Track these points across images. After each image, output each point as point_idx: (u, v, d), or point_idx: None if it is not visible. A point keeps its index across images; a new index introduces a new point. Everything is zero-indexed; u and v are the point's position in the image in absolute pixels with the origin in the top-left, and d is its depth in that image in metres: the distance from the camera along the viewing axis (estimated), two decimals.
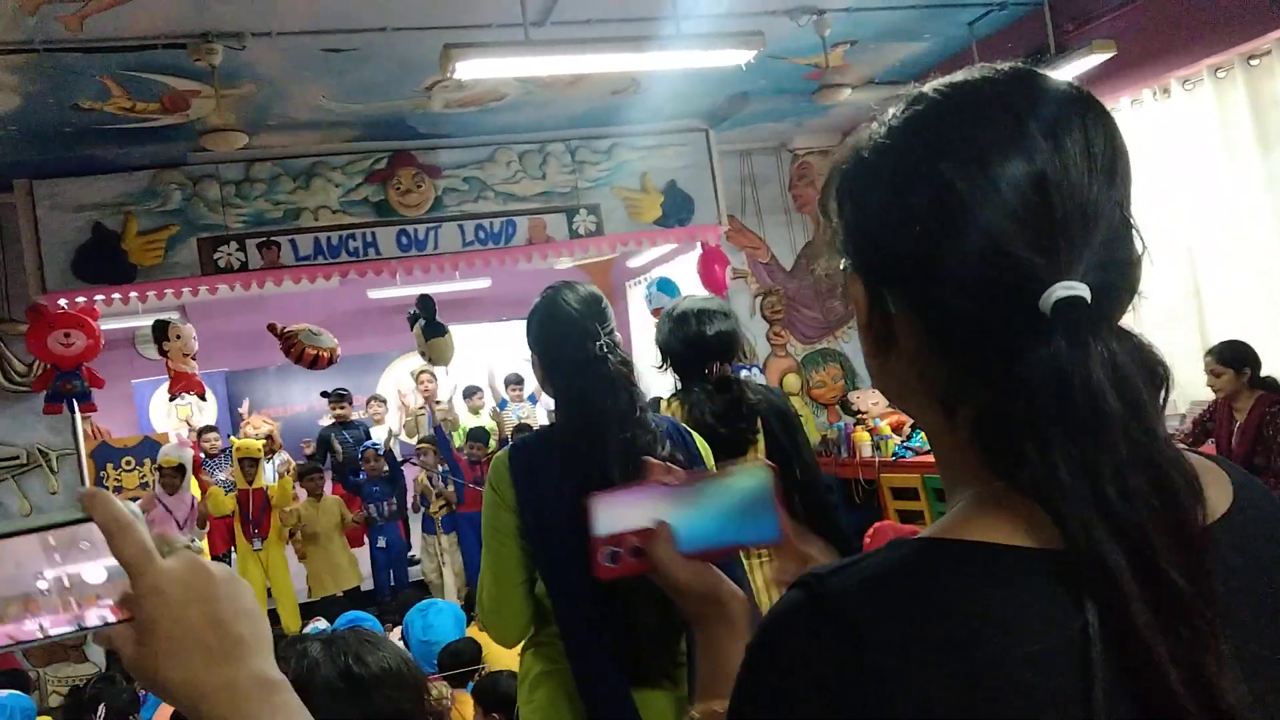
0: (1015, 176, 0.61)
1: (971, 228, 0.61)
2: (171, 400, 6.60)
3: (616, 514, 0.93)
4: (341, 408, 8.11)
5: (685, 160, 6.76)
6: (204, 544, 7.59)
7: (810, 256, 7.47)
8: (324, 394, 8.21)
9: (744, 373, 7.16)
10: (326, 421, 8.38)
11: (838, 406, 7.53)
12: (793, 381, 7.57)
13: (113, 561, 0.61)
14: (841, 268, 0.72)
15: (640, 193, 6.68)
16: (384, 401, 8.91)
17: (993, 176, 0.61)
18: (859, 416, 7.00)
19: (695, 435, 2.21)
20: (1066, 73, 5.03)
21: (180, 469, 6.56)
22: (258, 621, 0.64)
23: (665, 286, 7.23)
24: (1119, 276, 0.63)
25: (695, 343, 2.81)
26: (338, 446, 7.78)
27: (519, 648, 2.16)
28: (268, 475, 7.60)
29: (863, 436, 6.70)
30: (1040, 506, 0.59)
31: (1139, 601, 0.56)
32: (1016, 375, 0.60)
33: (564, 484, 1.96)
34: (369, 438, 7.98)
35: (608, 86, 5.67)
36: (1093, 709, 0.54)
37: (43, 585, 0.61)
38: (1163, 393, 0.63)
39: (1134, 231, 0.64)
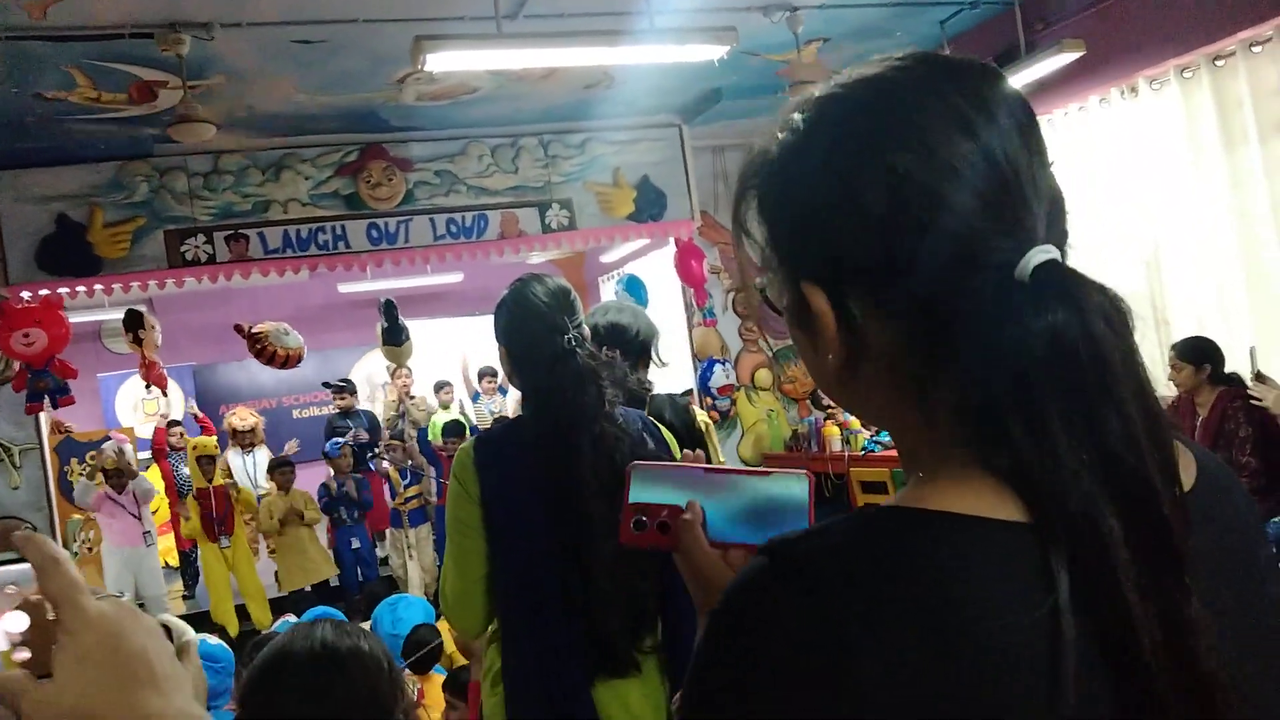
0: (965, 154, 0.62)
1: (935, 213, 0.61)
2: (149, 390, 6.53)
3: (653, 485, 0.93)
4: (344, 398, 8.09)
5: (658, 155, 6.76)
6: (161, 535, 7.52)
7: (733, 285, 7.44)
8: (326, 384, 8.20)
9: (717, 366, 7.24)
10: (332, 411, 8.37)
11: (808, 401, 7.57)
12: (764, 377, 7.60)
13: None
14: (780, 284, 0.71)
15: (613, 187, 6.68)
16: (354, 393, 8.86)
17: (944, 158, 0.62)
18: (829, 411, 7.04)
19: (663, 429, 2.21)
20: (1036, 71, 5.10)
21: (119, 471, 6.51)
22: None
23: (632, 286, 7.23)
24: (1062, 243, 0.64)
25: (601, 328, 2.73)
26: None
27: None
28: (251, 468, 7.56)
29: (832, 431, 6.74)
30: (1011, 480, 0.59)
31: (1128, 568, 0.56)
32: (1004, 348, 0.59)
33: (531, 477, 1.97)
34: (377, 428, 7.94)
35: (581, 80, 5.66)
36: (1061, 680, 0.54)
37: None
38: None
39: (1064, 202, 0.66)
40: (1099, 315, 0.59)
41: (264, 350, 6.34)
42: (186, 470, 7.47)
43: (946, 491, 0.61)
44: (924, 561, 0.57)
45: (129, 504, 6.47)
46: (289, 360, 6.42)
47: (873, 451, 6.37)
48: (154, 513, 7.10)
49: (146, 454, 8.37)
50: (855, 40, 5.54)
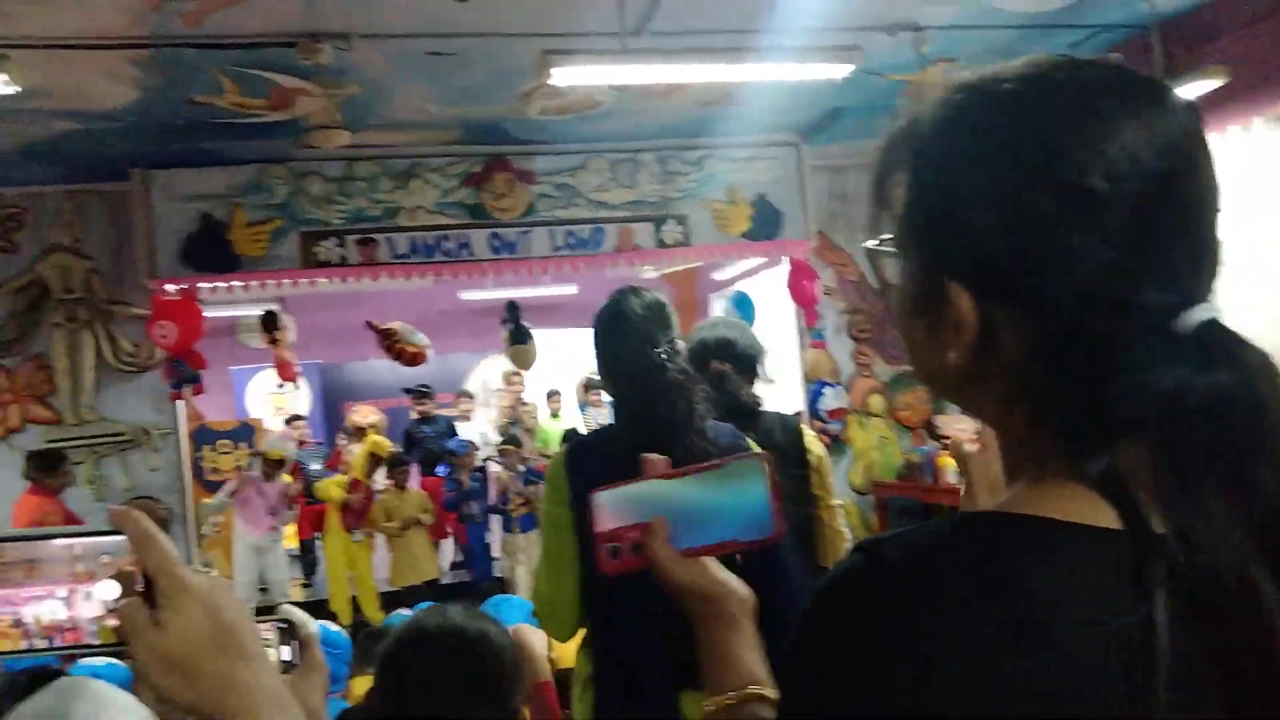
0: (1148, 185, 0.59)
1: (1108, 233, 0.59)
2: (282, 386, 6.85)
3: (616, 508, 0.91)
4: (423, 404, 8.29)
5: (775, 174, 6.74)
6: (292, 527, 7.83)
7: (849, 308, 7.32)
8: (405, 390, 8.41)
9: (828, 388, 7.14)
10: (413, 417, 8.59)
11: (923, 430, 7.38)
12: (877, 403, 7.45)
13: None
14: (909, 270, 0.69)
15: (729, 205, 6.68)
16: (472, 397, 9.08)
17: (1129, 178, 0.59)
18: (945, 441, 6.85)
19: (750, 443, 2.19)
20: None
21: (281, 462, 6.81)
22: (263, 648, 0.70)
23: (741, 304, 7.21)
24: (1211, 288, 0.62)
25: (696, 348, 2.70)
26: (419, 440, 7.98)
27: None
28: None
29: (948, 462, 6.55)
30: (1106, 488, 0.59)
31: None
32: (1156, 393, 0.58)
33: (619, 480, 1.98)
34: (452, 433, 8.12)
35: (701, 97, 5.69)
36: (1148, 692, 0.54)
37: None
38: None
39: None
40: (1262, 377, 0.58)
41: (393, 346, 6.60)
42: (316, 466, 7.76)
43: (1045, 497, 0.61)
44: (1011, 564, 0.58)
45: (271, 495, 6.78)
46: (416, 358, 6.65)
47: None
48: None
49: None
50: (981, 62, 5.34)
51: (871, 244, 0.72)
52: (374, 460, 7.24)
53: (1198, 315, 0.58)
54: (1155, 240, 0.59)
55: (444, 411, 9.10)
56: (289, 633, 1.13)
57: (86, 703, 0.93)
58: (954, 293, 0.64)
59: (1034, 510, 0.60)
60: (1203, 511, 0.56)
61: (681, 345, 2.15)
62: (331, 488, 7.19)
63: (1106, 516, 0.59)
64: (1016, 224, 0.61)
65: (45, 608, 0.70)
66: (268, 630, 1.13)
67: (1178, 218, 0.60)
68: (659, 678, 1.97)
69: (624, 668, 2.00)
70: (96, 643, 0.73)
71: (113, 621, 0.68)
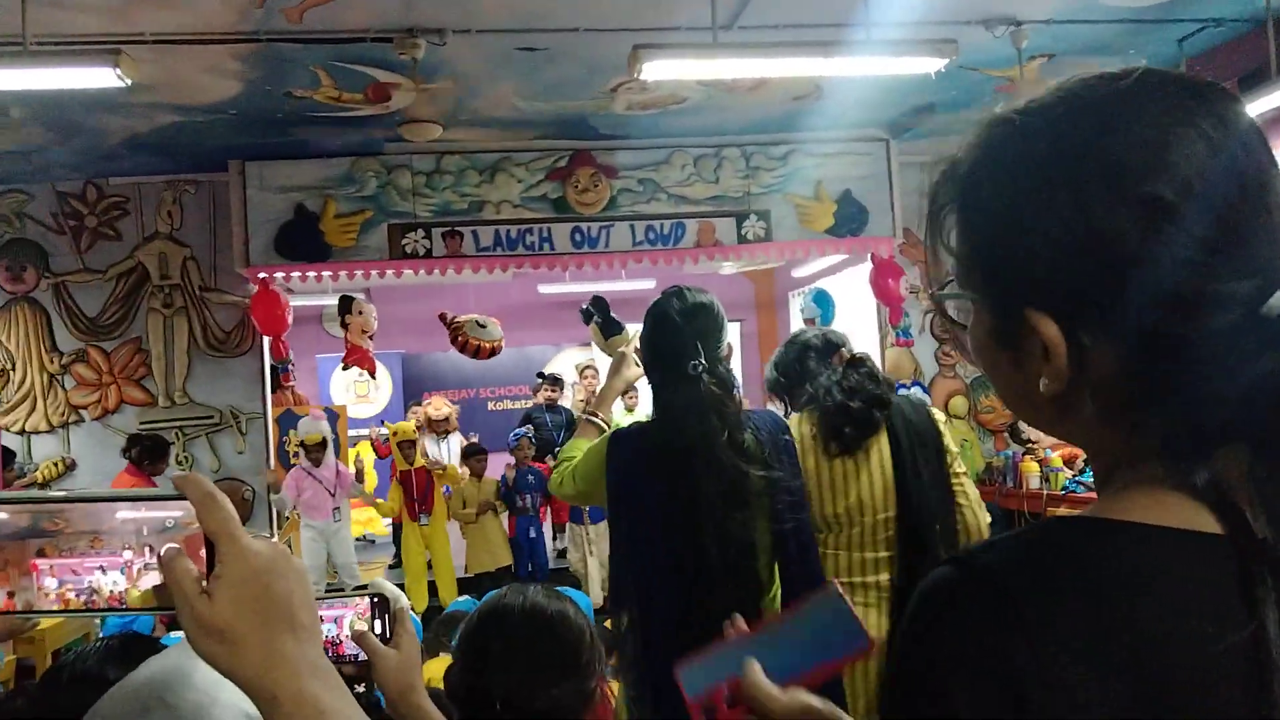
0: (1215, 183, 0.58)
1: (1184, 243, 0.58)
2: (345, 369, 6.95)
3: (702, 674, 0.93)
4: (552, 391, 8.39)
5: (863, 170, 6.65)
6: (369, 514, 7.96)
7: (944, 315, 7.17)
8: (540, 375, 8.55)
9: (903, 390, 7.03)
10: (535, 402, 8.70)
11: (1006, 434, 7.23)
12: (959, 404, 7.32)
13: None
14: (982, 306, 0.68)
15: (813, 200, 6.62)
16: (559, 382, 9.12)
17: (1196, 187, 0.58)
18: (1029, 446, 6.70)
19: (792, 436, 2.22)
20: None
21: (323, 443, 6.87)
22: (318, 620, 0.68)
23: (820, 300, 7.13)
24: None
25: (814, 343, 2.71)
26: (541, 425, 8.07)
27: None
28: (445, 454, 7.93)
29: (1031, 467, 6.40)
30: (1208, 495, 0.58)
31: None
32: (1250, 383, 0.57)
33: (651, 489, 2.04)
34: (571, 424, 8.15)
35: (789, 92, 5.64)
36: (1269, 705, 0.52)
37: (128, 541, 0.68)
38: None
39: None
40: None
41: (458, 339, 6.66)
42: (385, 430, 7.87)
43: (1138, 503, 0.61)
44: (1106, 571, 0.57)
45: (326, 479, 6.85)
46: (481, 351, 6.69)
47: (1074, 492, 6.01)
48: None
49: (354, 432, 8.95)
50: (1082, 58, 5.27)
51: (937, 291, 0.72)
52: (408, 445, 7.28)
53: None
54: (1228, 232, 0.59)
55: (520, 404, 9.20)
56: (381, 607, 1.15)
57: (196, 690, 0.95)
58: (1037, 321, 0.63)
59: (1129, 515, 0.59)
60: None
61: (727, 349, 2.16)
62: (383, 508, 7.30)
63: (1204, 521, 0.58)
64: (1085, 242, 0.60)
65: (109, 579, 0.69)
66: (362, 607, 1.15)
67: (1247, 207, 0.59)
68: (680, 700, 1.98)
69: (658, 668, 2.03)
70: (139, 606, 0.70)
71: (147, 584, 0.66)
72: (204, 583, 0.63)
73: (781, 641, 0.92)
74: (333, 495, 6.85)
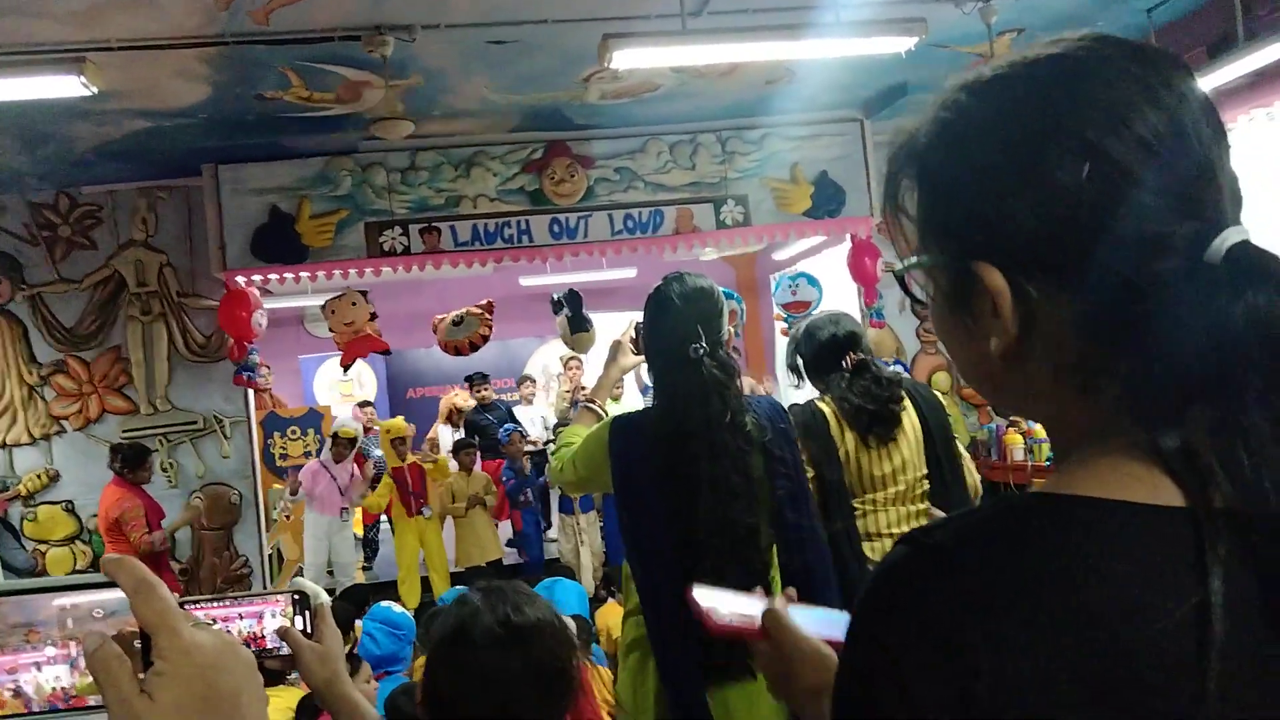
0: (1159, 132, 0.60)
1: (1128, 189, 0.60)
2: (345, 369, 6.94)
3: (720, 599, 1.00)
4: (481, 391, 8.39)
5: (838, 151, 6.66)
6: (358, 514, 7.96)
7: (910, 292, 7.24)
8: (467, 379, 8.54)
9: (888, 368, 7.05)
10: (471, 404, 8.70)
11: (989, 408, 7.28)
12: (942, 379, 7.36)
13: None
14: (939, 267, 0.69)
15: (790, 183, 6.62)
16: (534, 381, 9.17)
17: (1139, 133, 0.60)
18: (1012, 419, 6.75)
19: (791, 419, 2.26)
20: (1254, 61, 4.71)
21: (353, 441, 6.92)
22: (265, 716, 0.63)
23: (814, 282, 7.15)
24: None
25: (829, 343, 2.95)
26: (482, 425, 8.06)
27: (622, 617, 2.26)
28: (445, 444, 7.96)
29: (1015, 439, 6.46)
30: (1176, 464, 0.58)
31: None
32: (1198, 331, 0.57)
33: (652, 474, 2.06)
34: (511, 418, 8.19)
35: (762, 76, 5.64)
36: (1206, 679, 0.52)
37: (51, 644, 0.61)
38: None
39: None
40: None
41: (445, 346, 6.73)
42: (379, 451, 7.88)
43: (1098, 476, 0.60)
44: (1059, 548, 0.57)
45: (340, 477, 6.91)
46: (462, 348, 6.70)
47: None
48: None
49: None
50: (1052, 31, 5.15)
51: (898, 265, 0.73)
52: (399, 442, 7.30)
53: (1228, 239, 0.58)
54: (1171, 180, 0.60)
55: (505, 397, 9.19)
56: (302, 603, 1.17)
57: None
58: (982, 271, 0.64)
59: (1085, 490, 0.60)
60: (1243, 436, 0.55)
61: (727, 333, 2.18)
62: (373, 500, 7.31)
63: (1168, 494, 0.58)
64: (1029, 191, 0.62)
65: (48, 675, 0.62)
66: (279, 604, 1.17)
67: (1189, 161, 0.60)
68: (691, 670, 2.01)
69: (660, 654, 2.05)
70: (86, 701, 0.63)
71: (88, 677, 0.58)
72: (141, 678, 0.57)
73: (798, 610, 0.95)
74: (343, 494, 6.90)
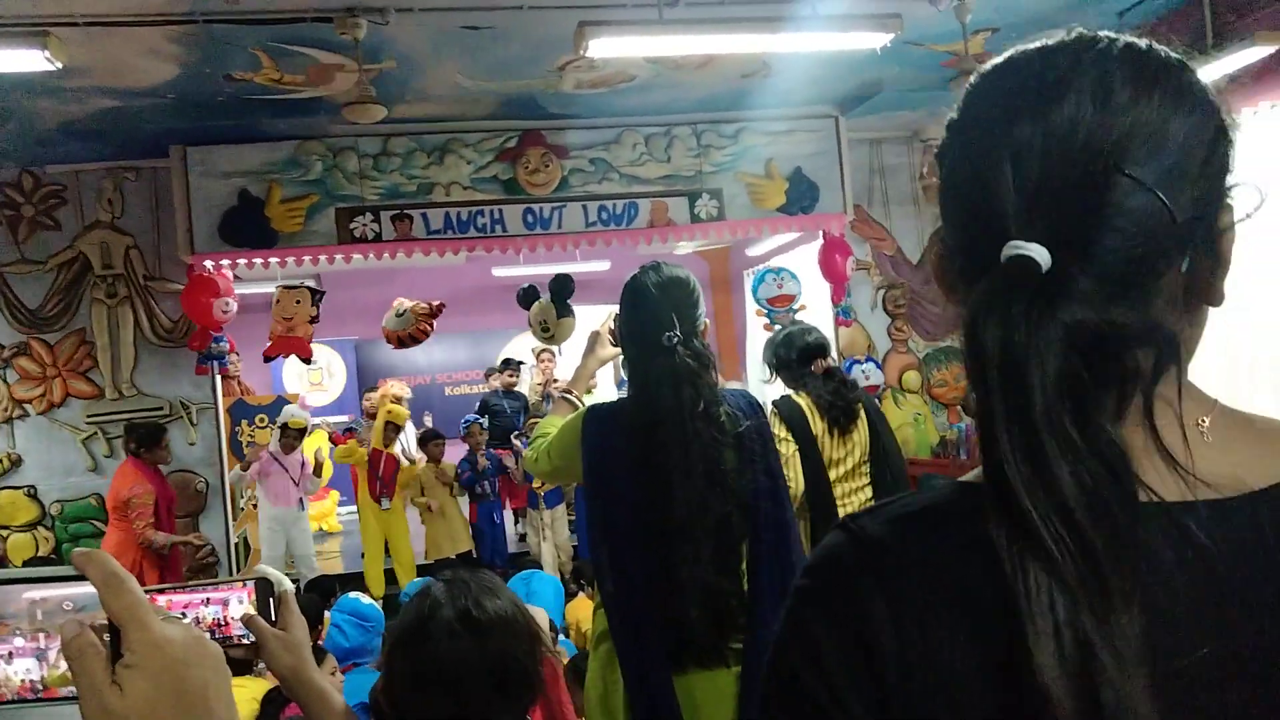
0: (1001, 141, 0.63)
1: (961, 187, 0.66)
2: (266, 361, 6.87)
3: None
4: (511, 376, 8.36)
5: (813, 147, 6.66)
6: (316, 502, 7.88)
7: (884, 282, 7.36)
8: (504, 361, 8.56)
9: (858, 366, 7.09)
10: (491, 387, 8.66)
11: (959, 407, 7.33)
12: (912, 379, 7.39)
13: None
14: None
15: (764, 179, 6.62)
16: (520, 365, 9.11)
17: (981, 141, 0.64)
18: None
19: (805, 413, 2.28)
20: (1224, 66, 4.75)
21: (302, 432, 6.83)
22: (235, 711, 0.64)
23: (794, 277, 7.17)
24: (1118, 243, 0.59)
25: (803, 350, 3.84)
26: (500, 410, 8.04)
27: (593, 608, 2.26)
28: (403, 440, 7.88)
29: None
30: None
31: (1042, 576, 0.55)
32: (972, 334, 0.61)
33: (626, 463, 2.06)
34: (529, 410, 8.11)
35: (738, 69, 5.64)
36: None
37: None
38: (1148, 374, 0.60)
39: (1154, 199, 0.60)
40: (1024, 335, 0.57)
41: (384, 334, 6.72)
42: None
43: None
44: (964, 534, 0.61)
45: (291, 468, 6.83)
46: (405, 339, 6.66)
47: None
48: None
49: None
50: (1026, 31, 5.22)
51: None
52: (392, 429, 7.26)
53: (1006, 253, 0.60)
54: (1010, 192, 0.62)
55: (475, 389, 9.15)
56: (265, 591, 1.16)
57: None
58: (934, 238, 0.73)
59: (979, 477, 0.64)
60: (993, 455, 0.58)
61: (704, 324, 2.18)
62: (354, 450, 7.22)
63: None
64: (958, 175, 0.68)
65: (17, 666, 0.62)
66: (246, 590, 1.17)
67: (1026, 174, 0.62)
68: (659, 658, 2.01)
69: (627, 642, 2.05)
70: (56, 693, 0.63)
71: (58, 670, 0.59)
72: (113, 670, 0.58)
73: None
74: (296, 485, 6.82)
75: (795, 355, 3.85)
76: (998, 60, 0.68)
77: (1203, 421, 0.63)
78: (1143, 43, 0.66)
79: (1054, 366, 0.56)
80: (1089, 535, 0.54)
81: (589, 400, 2.45)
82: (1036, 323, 0.57)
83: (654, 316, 2.09)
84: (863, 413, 3.78)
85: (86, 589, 0.60)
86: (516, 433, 7.85)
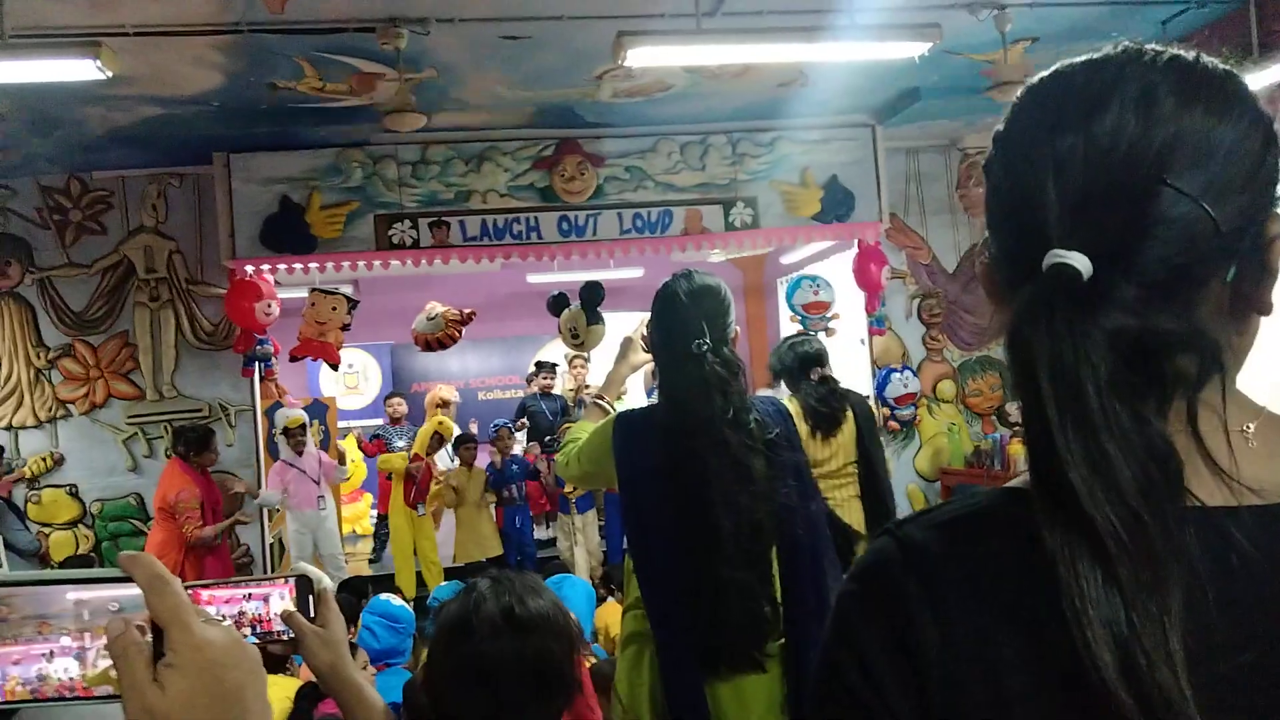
0: (1044, 152, 0.64)
1: (1006, 198, 0.67)
2: (292, 360, 6.90)
3: None
4: (548, 379, 8.37)
5: (849, 156, 6.65)
6: (350, 504, 7.93)
7: (919, 290, 7.33)
8: (537, 363, 8.57)
9: (896, 375, 7.06)
10: (530, 391, 8.67)
11: (994, 417, 7.27)
12: (947, 388, 7.34)
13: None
14: None
15: (800, 187, 6.62)
16: (553, 370, 9.13)
17: (1025, 153, 0.65)
18: (1015, 429, 6.73)
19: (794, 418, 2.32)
20: (1270, 75, 4.70)
21: (303, 427, 6.80)
22: (270, 713, 0.65)
23: (827, 286, 7.16)
24: (1161, 252, 0.60)
25: (803, 357, 4.18)
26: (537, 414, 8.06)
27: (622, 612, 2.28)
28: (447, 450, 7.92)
29: (1018, 449, 6.44)
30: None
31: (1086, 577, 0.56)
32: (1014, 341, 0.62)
33: (659, 469, 2.07)
34: (566, 412, 8.13)
35: (775, 78, 5.64)
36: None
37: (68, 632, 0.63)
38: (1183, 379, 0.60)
39: (1196, 208, 0.60)
40: (1069, 342, 0.58)
41: (413, 336, 6.77)
42: (401, 443, 7.84)
43: None
44: (1009, 541, 0.62)
45: (309, 468, 6.81)
46: (433, 342, 6.70)
47: None
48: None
49: (344, 423, 8.93)
50: (1066, 40, 5.28)
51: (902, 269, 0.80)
52: (437, 440, 7.31)
53: (1048, 261, 0.61)
54: (1052, 202, 0.63)
55: (511, 394, 9.18)
56: (305, 588, 1.19)
57: None
58: (981, 252, 0.75)
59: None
60: (1045, 455, 0.58)
61: (734, 331, 2.20)
62: (394, 460, 7.27)
63: None
64: (1004, 181, 0.68)
65: (57, 665, 0.63)
66: (287, 587, 1.19)
67: (1068, 185, 0.63)
68: (689, 662, 2.04)
69: (658, 646, 2.06)
70: (93, 692, 0.64)
71: (106, 663, 0.60)
72: (154, 668, 0.59)
73: None
74: (317, 484, 6.82)
75: (796, 363, 4.18)
76: (1044, 74, 0.68)
77: (1248, 428, 0.63)
78: (1190, 54, 0.65)
79: (1104, 371, 0.57)
80: (1150, 534, 0.54)
81: (620, 407, 2.47)
82: (1080, 330, 0.58)
83: (684, 324, 2.10)
84: (852, 420, 4.09)
85: (131, 590, 0.62)
86: (549, 438, 7.88)
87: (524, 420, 7.98)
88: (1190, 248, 0.60)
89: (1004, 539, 0.62)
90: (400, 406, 8.20)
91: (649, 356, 2.43)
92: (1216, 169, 0.61)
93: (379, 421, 9.29)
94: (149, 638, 0.60)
